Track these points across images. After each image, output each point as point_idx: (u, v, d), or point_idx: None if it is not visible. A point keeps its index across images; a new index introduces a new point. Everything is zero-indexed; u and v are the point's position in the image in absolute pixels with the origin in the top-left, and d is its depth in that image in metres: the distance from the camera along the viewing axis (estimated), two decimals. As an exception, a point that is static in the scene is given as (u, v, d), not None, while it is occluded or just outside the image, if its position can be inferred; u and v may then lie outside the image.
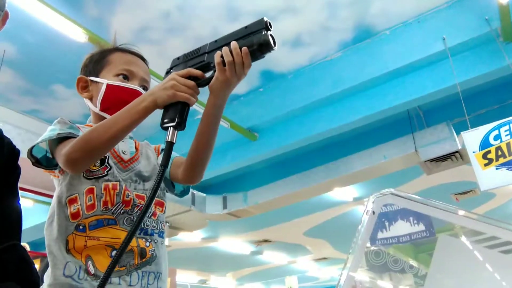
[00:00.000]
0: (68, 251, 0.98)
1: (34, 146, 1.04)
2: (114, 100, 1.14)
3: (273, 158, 5.34)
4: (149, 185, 1.12)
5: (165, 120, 0.88)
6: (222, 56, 0.89)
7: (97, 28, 3.56)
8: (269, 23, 0.87)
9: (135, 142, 1.21)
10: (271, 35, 0.85)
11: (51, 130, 1.05)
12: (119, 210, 1.03)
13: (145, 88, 1.20)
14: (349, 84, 4.15)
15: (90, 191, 1.03)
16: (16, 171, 0.80)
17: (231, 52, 0.87)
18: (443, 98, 4.14)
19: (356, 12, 3.85)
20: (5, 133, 0.81)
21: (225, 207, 5.95)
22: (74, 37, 3.38)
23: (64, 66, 4.13)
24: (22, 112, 4.75)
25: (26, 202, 5.64)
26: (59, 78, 4.33)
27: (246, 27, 0.89)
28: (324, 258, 11.63)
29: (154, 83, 1.26)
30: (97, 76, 1.18)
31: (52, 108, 4.76)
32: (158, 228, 1.10)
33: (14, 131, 4.42)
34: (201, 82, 0.93)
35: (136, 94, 1.14)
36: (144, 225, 1.06)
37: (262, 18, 0.87)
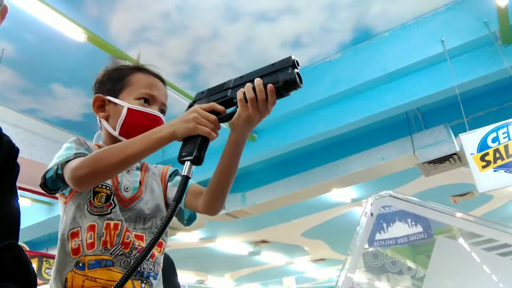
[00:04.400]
0: None
1: (50, 168, 1.02)
2: (135, 125, 1.10)
3: (272, 159, 5.34)
4: (149, 223, 1.10)
5: (183, 154, 0.86)
6: (245, 93, 0.87)
7: (96, 27, 3.55)
8: (297, 61, 0.85)
9: (141, 172, 1.17)
10: (297, 73, 0.84)
11: (67, 149, 1.04)
12: (118, 252, 1.02)
13: (163, 112, 1.18)
14: (348, 86, 4.16)
15: (92, 228, 1.02)
16: (15, 169, 0.79)
17: (254, 89, 0.86)
18: (441, 100, 4.15)
19: (355, 13, 3.85)
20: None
21: (223, 207, 5.94)
22: (73, 36, 3.38)
23: (63, 65, 4.13)
24: (21, 111, 4.74)
25: (24, 201, 5.63)
26: (58, 78, 4.32)
27: (273, 64, 0.87)
28: (322, 259, 11.62)
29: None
30: (116, 96, 1.14)
31: (51, 107, 4.75)
32: (154, 271, 1.08)
33: (12, 130, 4.41)
34: (223, 117, 0.91)
35: (157, 120, 1.12)
36: (141, 267, 1.04)
37: (290, 56, 0.85)
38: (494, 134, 3.19)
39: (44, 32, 3.66)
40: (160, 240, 1.11)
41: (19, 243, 0.76)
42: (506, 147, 3.11)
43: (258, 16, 3.80)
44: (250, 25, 3.88)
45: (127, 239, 1.03)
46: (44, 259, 5.98)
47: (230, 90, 0.92)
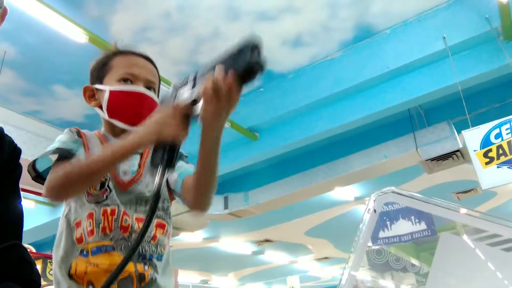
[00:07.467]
0: (71, 276, 1.01)
1: (38, 158, 1.03)
2: (119, 105, 1.13)
3: (274, 158, 5.34)
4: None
5: (154, 159, 0.82)
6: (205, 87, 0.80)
7: (97, 28, 3.55)
8: (257, 39, 0.75)
9: (141, 156, 1.17)
10: (257, 54, 0.74)
11: (57, 141, 1.06)
12: (118, 236, 1.03)
13: (152, 89, 1.17)
14: (350, 84, 4.15)
15: (90, 216, 1.04)
16: (17, 170, 0.80)
17: (215, 79, 0.77)
18: (443, 97, 4.13)
19: (356, 11, 3.84)
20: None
21: (226, 207, 5.94)
22: (74, 37, 3.38)
23: (65, 66, 4.13)
24: (23, 113, 4.75)
25: (27, 203, 5.63)
26: (59, 79, 4.33)
27: (235, 45, 0.78)
28: (326, 258, 11.61)
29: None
30: (101, 83, 1.17)
31: (53, 108, 4.76)
32: (158, 252, 1.08)
33: (15, 132, 4.43)
34: (189, 115, 0.84)
35: (140, 96, 1.13)
36: (143, 250, 1.05)
37: (250, 35, 0.76)
38: (497, 130, 3.18)
39: (45, 33, 3.67)
40: (163, 222, 1.12)
41: (25, 244, 0.76)
42: (509, 143, 3.09)
43: (259, 15, 3.80)
44: (251, 24, 3.87)
45: (125, 223, 1.05)
46: (48, 260, 5.98)
47: (195, 81, 0.84)
